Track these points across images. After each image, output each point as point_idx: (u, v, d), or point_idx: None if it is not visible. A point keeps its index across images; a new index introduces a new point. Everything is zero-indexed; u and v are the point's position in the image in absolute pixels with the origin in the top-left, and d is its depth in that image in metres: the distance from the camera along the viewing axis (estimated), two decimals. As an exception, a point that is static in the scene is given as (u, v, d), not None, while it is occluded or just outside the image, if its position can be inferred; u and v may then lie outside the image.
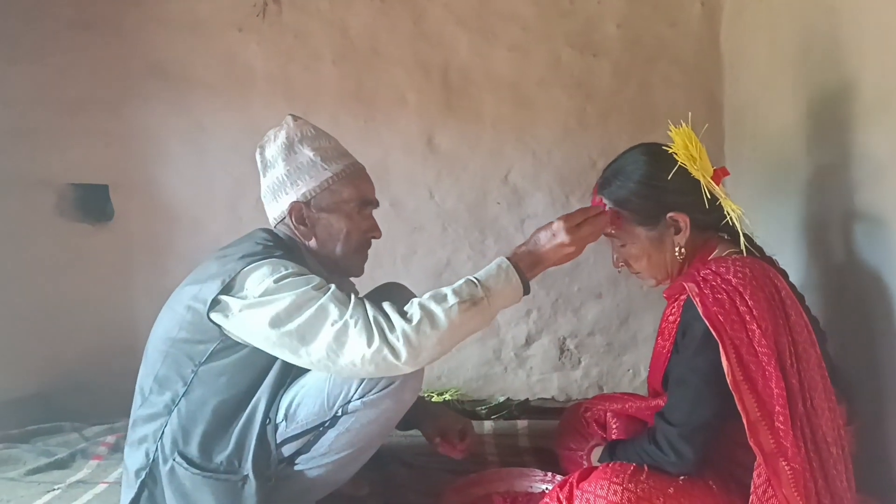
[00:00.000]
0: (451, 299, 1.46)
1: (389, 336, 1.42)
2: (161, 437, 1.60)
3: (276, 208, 1.74)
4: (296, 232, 1.74)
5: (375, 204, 1.82)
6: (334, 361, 1.45)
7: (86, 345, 2.85)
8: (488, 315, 1.51)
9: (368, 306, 1.47)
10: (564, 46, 2.93)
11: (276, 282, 1.49)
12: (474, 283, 1.50)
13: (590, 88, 2.94)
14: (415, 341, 1.42)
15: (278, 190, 1.72)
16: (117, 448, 2.34)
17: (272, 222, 1.78)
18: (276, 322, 1.46)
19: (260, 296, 1.48)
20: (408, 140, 2.94)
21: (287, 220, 1.73)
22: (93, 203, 2.87)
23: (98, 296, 2.90)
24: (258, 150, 1.76)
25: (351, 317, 1.43)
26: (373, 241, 1.83)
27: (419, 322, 1.43)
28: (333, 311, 1.45)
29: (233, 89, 2.92)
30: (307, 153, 1.70)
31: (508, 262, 1.54)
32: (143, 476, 1.61)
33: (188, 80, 2.91)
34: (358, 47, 2.93)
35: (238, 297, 1.51)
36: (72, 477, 2.20)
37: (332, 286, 1.51)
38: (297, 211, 1.71)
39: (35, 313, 2.83)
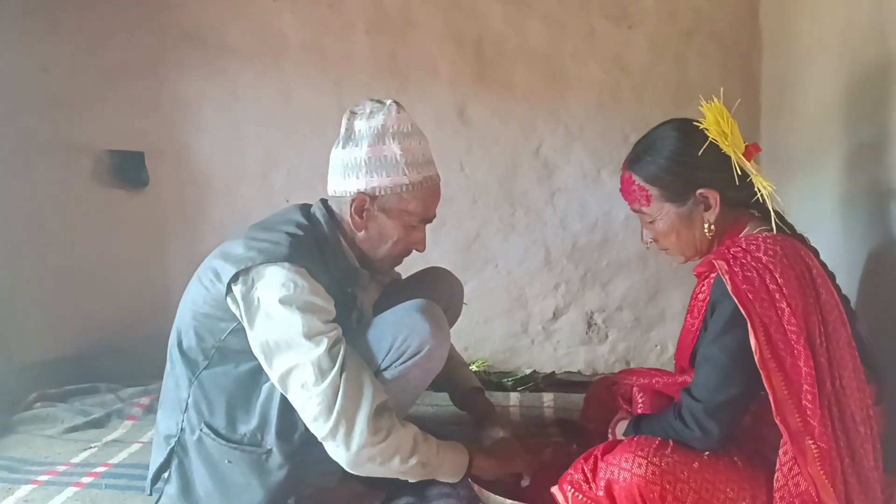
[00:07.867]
0: (413, 460, 1.55)
1: (341, 432, 1.48)
2: (187, 407, 1.64)
3: (340, 185, 1.66)
4: (347, 218, 1.69)
5: (432, 219, 1.76)
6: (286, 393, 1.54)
7: (121, 308, 2.92)
8: (422, 476, 1.61)
9: (345, 382, 1.49)
10: (599, 18, 2.88)
11: (280, 302, 1.50)
12: (436, 452, 1.60)
13: (624, 62, 2.90)
14: (362, 454, 1.50)
15: (351, 170, 1.64)
16: (151, 409, 2.40)
17: (329, 192, 1.72)
18: (260, 344, 1.53)
19: (261, 306, 1.52)
20: (439, 112, 2.93)
21: (344, 203, 1.68)
22: (129, 169, 2.91)
23: (133, 260, 2.96)
24: (347, 115, 1.66)
25: (322, 392, 1.47)
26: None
27: (382, 446, 1.50)
28: (309, 374, 1.48)
29: (266, 58, 2.93)
30: (395, 150, 1.61)
31: (468, 461, 1.66)
32: (172, 443, 1.66)
33: (223, 48, 2.92)
34: (391, 17, 2.91)
35: (247, 294, 1.54)
36: (108, 436, 2.27)
37: (327, 340, 1.50)
38: (361, 202, 1.64)
39: (72, 277, 2.89)
